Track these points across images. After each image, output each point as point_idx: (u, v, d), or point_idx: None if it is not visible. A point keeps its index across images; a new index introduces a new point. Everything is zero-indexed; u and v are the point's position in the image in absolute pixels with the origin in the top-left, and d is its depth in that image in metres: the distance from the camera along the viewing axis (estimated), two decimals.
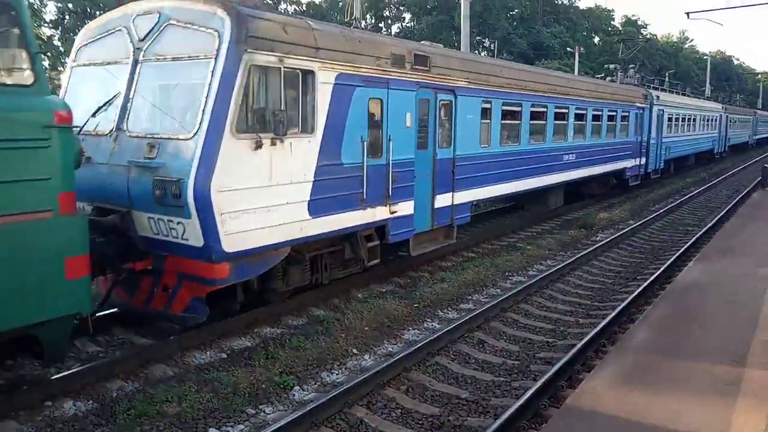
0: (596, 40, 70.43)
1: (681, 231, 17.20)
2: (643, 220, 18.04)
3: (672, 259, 12.64)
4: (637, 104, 22.58)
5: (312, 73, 8.31)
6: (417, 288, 10.73)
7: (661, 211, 20.12)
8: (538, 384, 6.71)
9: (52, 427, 5.92)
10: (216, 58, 7.21)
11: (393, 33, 59.63)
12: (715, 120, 38.88)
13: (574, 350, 7.69)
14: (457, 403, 6.76)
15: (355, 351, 8.04)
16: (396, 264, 11.77)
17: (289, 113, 8.05)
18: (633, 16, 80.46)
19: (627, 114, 21.52)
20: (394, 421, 6.33)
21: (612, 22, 74.54)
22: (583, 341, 8.00)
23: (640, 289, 10.39)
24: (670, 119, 26.95)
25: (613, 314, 9.08)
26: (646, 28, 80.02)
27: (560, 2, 66.16)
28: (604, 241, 14.82)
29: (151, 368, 7.27)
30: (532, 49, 55.59)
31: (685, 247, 13.97)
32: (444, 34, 52.35)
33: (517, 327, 9.31)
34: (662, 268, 11.84)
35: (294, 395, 6.80)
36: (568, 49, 55.35)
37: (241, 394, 6.67)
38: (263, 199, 7.69)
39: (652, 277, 11.16)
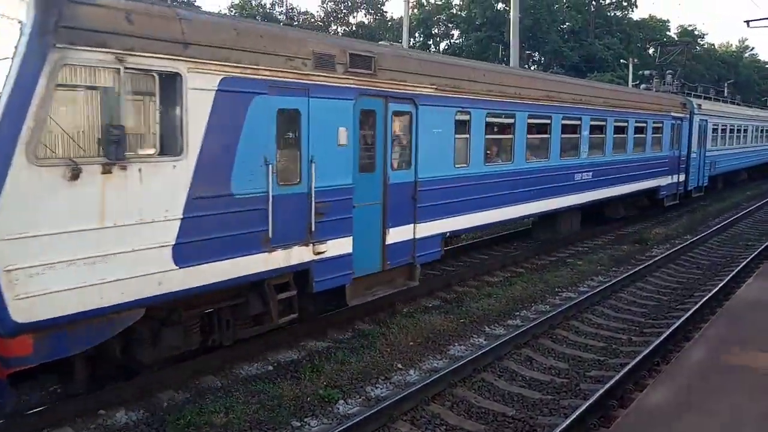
0: (651, 51, 68.78)
1: (741, 246, 16.51)
2: (701, 235, 17.40)
3: (731, 276, 12.13)
4: (674, 114, 19.96)
5: (177, 76, 6.26)
6: (463, 303, 10.63)
7: (720, 225, 19.36)
8: (588, 402, 6.54)
9: None
10: (13, 58, 5.33)
11: (441, 50, 59.82)
12: None
13: (626, 369, 7.46)
14: (502, 421, 6.64)
15: (399, 366, 8.01)
16: (442, 279, 11.69)
17: (139, 130, 6.32)
18: (689, 26, 78.36)
19: (660, 125, 18.95)
20: None
21: (667, 33, 72.68)
22: (636, 359, 7.75)
23: (697, 306, 10.01)
24: (715, 130, 24.61)
25: (668, 332, 8.77)
26: (703, 38, 77.74)
27: (613, 14, 65.00)
28: (659, 257, 14.35)
29: (201, 379, 7.43)
30: (585, 61, 54.77)
31: (745, 262, 13.38)
32: (492, 50, 52.21)
33: (567, 344, 9.09)
34: (720, 285, 11.37)
35: (338, 409, 6.82)
36: (622, 60, 54.24)
37: (287, 407, 6.73)
38: (88, 246, 5.66)
39: (710, 294, 10.73)
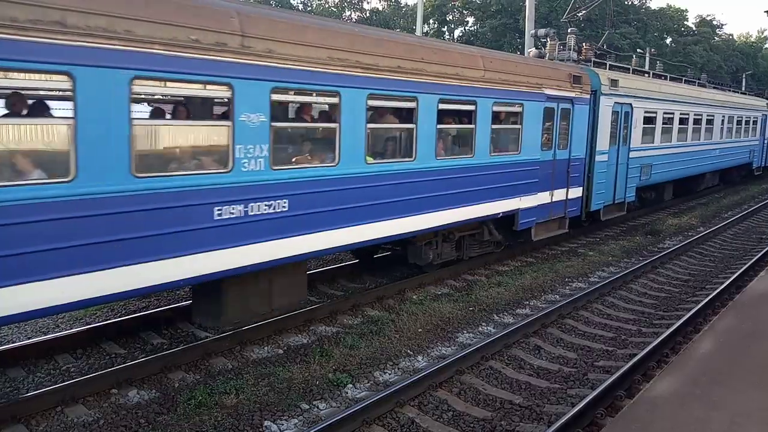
0: (668, 41, 67.91)
1: (754, 239, 16.36)
2: (714, 227, 17.27)
3: (743, 269, 12.05)
4: (552, 93, 12.39)
5: None
6: (473, 291, 10.66)
7: (734, 218, 19.19)
8: (596, 392, 6.56)
9: (117, 414, 6.21)
10: None
11: (455, 38, 59.40)
12: (757, 122, 28.91)
13: (634, 359, 7.46)
14: (509, 408, 6.68)
15: (408, 352, 8.07)
16: (452, 268, 11.70)
17: None
18: (708, 15, 77.17)
19: (516, 110, 11.54)
20: (445, 422, 6.32)
21: (685, 23, 71.68)
22: (645, 350, 7.74)
23: (708, 298, 9.97)
24: (651, 120, 17.39)
25: (678, 324, 8.75)
26: (721, 28, 76.55)
27: (630, 3, 64.15)
28: (671, 249, 14.28)
29: (211, 361, 7.54)
30: (599, 50, 54.13)
31: (758, 256, 13.27)
32: (508, 38, 51.76)
33: (576, 334, 9.10)
34: (732, 278, 11.31)
35: (347, 393, 6.89)
36: (639, 50, 53.58)
37: (296, 390, 6.82)
38: None
39: (721, 287, 10.68)
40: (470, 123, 10.47)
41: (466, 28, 61.71)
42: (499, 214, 11.43)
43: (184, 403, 6.41)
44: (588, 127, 14.18)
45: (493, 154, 10.97)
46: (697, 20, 74.39)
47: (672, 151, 19.32)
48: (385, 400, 6.36)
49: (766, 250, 13.89)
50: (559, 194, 13.33)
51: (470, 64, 10.26)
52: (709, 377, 5.92)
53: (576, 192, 14.03)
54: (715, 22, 75.74)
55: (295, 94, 7.90)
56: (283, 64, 7.23)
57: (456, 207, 10.32)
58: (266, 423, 6.15)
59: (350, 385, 7.04)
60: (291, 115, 8.56)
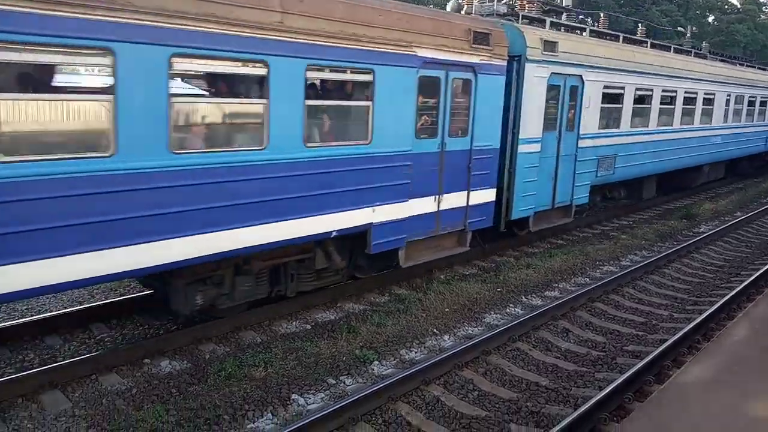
0: (710, 19, 65.63)
1: None
2: (752, 213, 16.80)
3: None
4: (433, 56, 8.83)
5: None
6: (501, 272, 10.59)
7: None
8: (624, 376, 6.49)
9: (149, 383, 6.38)
10: None
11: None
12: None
13: (665, 345, 7.35)
14: (536, 390, 6.67)
15: (435, 331, 8.09)
16: (480, 249, 11.59)
17: None
18: None
19: (365, 81, 8.05)
20: (470, 402, 6.34)
21: (730, 0, 69.11)
22: (676, 336, 7.63)
23: (743, 285, 9.73)
24: (614, 98, 13.47)
25: (711, 310, 8.58)
26: None
27: None
28: (707, 234, 13.96)
29: (241, 334, 7.67)
30: (638, 28, 52.65)
31: None
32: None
33: (605, 318, 9.00)
34: None
35: (373, 369, 6.95)
36: (680, 28, 51.97)
37: (323, 365, 6.90)
38: None
39: (758, 273, 10.42)
40: (256, 97, 6.89)
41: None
42: (331, 233, 7.86)
43: (215, 374, 6.55)
44: (505, 107, 10.44)
45: (311, 145, 7.39)
46: None
47: (649, 138, 15.01)
48: (410, 378, 6.40)
49: None
50: (454, 199, 9.66)
51: (250, 1, 6.54)
52: (743, 365, 5.79)
53: (484, 195, 10.19)
54: (762, 0, 72.80)
55: None
56: None
57: (238, 226, 6.80)
58: (294, 396, 6.25)
59: (376, 362, 7.10)
60: None
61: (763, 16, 65.47)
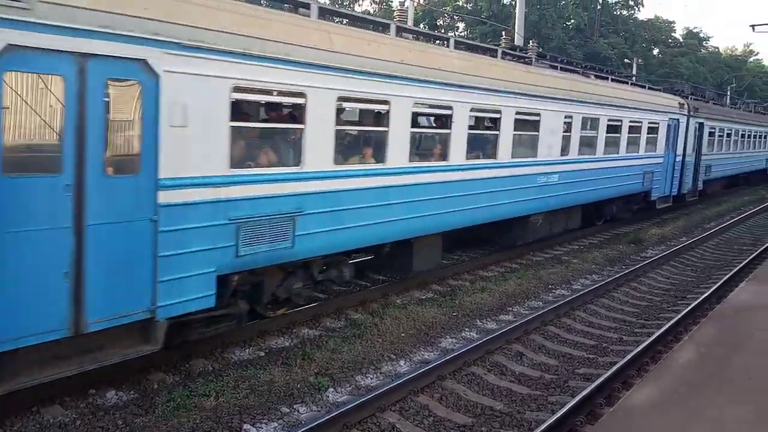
0: (655, 52, 68.64)
1: (736, 250, 16.55)
2: (696, 238, 17.45)
3: (724, 279, 12.18)
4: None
5: None
6: (456, 296, 10.67)
7: (716, 228, 19.41)
8: (575, 400, 6.58)
9: (94, 415, 6.14)
10: None
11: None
12: (660, 129, 18.23)
13: (614, 368, 7.51)
14: (490, 415, 6.70)
15: (391, 356, 8.06)
16: (436, 272, 11.69)
17: None
18: (695, 28, 78.12)
19: None
20: (425, 428, 6.32)
21: (673, 34, 72.49)
22: (625, 359, 7.80)
23: (689, 308, 10.06)
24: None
25: (658, 333, 8.82)
26: (708, 40, 77.50)
27: (618, 13, 64.75)
28: (654, 258, 14.40)
29: (192, 362, 7.47)
30: (588, 59, 54.62)
31: (739, 267, 13.43)
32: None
33: (558, 341, 9.14)
34: (713, 288, 11.43)
35: (328, 396, 6.86)
36: (626, 60, 54.13)
37: (277, 393, 6.78)
38: None
39: (702, 297, 10.78)
40: None
41: (457, 33, 61.97)
42: None
43: (163, 404, 6.35)
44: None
45: None
46: (685, 32, 75.32)
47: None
48: (366, 405, 6.35)
49: (746, 261, 14.04)
50: None
51: None
52: (688, 387, 5.97)
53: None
54: (702, 35, 76.68)
55: None
56: None
57: None
58: (246, 426, 6.11)
59: (331, 389, 7.01)
60: None
61: (703, 51, 68.85)
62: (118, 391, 6.65)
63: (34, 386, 6.24)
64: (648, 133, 17.46)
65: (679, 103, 19.85)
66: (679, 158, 19.98)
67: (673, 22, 74.18)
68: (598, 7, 61.49)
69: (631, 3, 64.75)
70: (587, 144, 14.72)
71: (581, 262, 13.97)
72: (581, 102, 14.07)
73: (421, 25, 58.68)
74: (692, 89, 25.25)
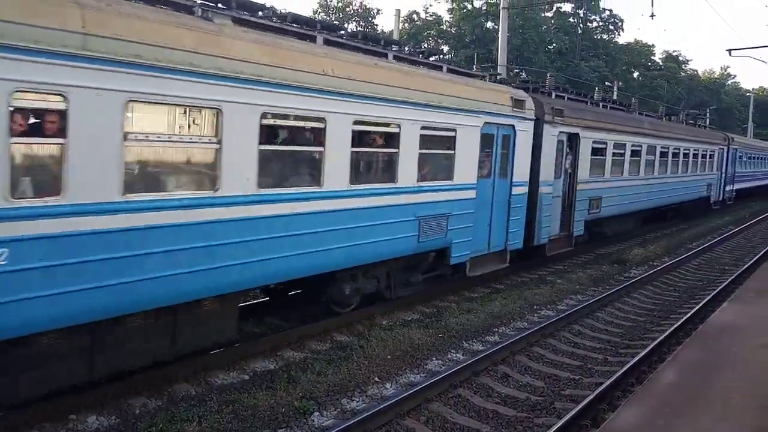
0: (636, 75, 69.90)
1: (717, 270, 16.74)
2: (679, 258, 17.63)
3: (706, 299, 12.29)
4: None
5: None
6: (442, 318, 10.65)
7: (698, 249, 19.63)
8: (562, 421, 6.58)
9: None
10: None
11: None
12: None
13: (600, 389, 7.52)
14: None
15: (376, 379, 8.00)
16: (423, 293, 11.69)
17: None
18: (674, 51, 79.72)
19: None
20: None
21: (652, 57, 73.93)
22: (610, 380, 7.81)
23: (672, 328, 10.13)
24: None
25: (642, 354, 8.86)
26: (687, 63, 79.10)
27: (599, 37, 66.00)
28: (637, 278, 14.52)
29: (175, 387, 7.36)
30: (569, 82, 55.50)
31: (722, 287, 13.57)
32: (481, 68, 52.54)
33: (544, 362, 9.15)
34: (696, 308, 11.53)
35: (313, 421, 6.78)
36: (607, 83, 55.03)
37: (261, 417, 6.69)
38: None
39: (685, 317, 10.87)
40: None
41: (441, 56, 62.69)
42: None
43: (145, 430, 6.24)
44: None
45: None
46: (664, 55, 76.83)
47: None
48: (351, 429, 6.28)
49: (728, 281, 14.20)
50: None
51: None
52: (672, 408, 5.99)
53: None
54: (681, 58, 78.27)
55: None
56: None
57: None
58: None
59: (317, 413, 6.94)
60: None
61: (682, 73, 70.20)
62: (99, 416, 6.52)
63: (13, 413, 6.14)
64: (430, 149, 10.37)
65: (512, 98, 12.21)
66: (522, 189, 13.00)
67: (653, 45, 75.51)
68: (579, 31, 62.71)
69: (611, 27, 66.07)
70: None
71: (566, 283, 14.04)
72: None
73: (405, 48, 59.33)
74: (560, 82, 19.56)
